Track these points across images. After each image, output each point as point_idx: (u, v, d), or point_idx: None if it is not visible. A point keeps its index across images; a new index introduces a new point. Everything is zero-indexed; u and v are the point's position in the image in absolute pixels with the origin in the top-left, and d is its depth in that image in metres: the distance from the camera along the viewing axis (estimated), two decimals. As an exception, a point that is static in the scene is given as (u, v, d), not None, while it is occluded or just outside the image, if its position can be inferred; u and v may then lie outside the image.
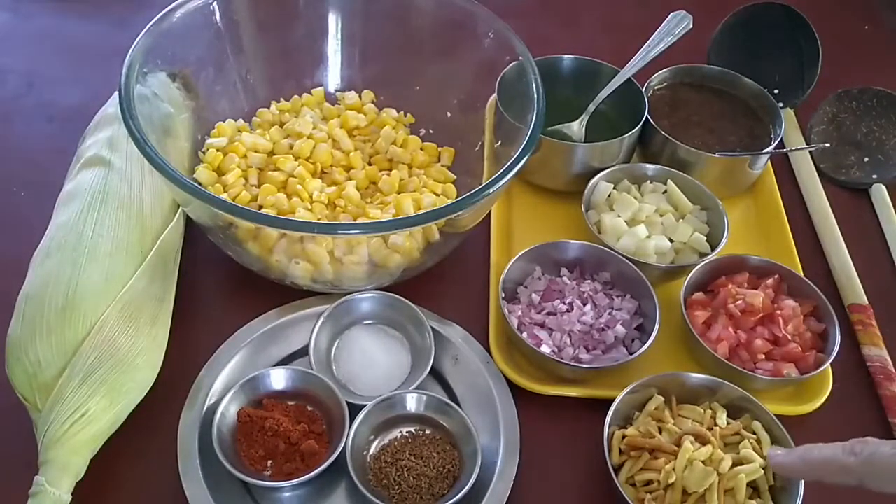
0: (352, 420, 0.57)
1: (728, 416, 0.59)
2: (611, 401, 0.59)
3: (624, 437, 0.58)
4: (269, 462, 0.57)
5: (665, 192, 0.75)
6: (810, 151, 0.86)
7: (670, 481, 0.54)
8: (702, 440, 0.56)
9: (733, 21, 0.91)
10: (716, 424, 0.58)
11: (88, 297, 0.58)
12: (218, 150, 0.73)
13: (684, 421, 0.59)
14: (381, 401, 0.59)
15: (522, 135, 0.64)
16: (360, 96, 0.82)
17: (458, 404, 0.61)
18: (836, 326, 0.65)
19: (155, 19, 0.67)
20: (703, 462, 0.55)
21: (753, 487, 0.56)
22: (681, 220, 0.73)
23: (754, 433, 0.58)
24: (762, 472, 0.55)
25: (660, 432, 0.58)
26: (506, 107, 0.72)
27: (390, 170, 0.75)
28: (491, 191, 0.60)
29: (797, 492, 0.55)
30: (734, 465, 0.55)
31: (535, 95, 0.67)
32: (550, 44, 0.85)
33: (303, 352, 0.64)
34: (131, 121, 0.60)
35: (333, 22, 0.81)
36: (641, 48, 0.80)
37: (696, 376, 0.61)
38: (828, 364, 0.63)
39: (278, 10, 0.79)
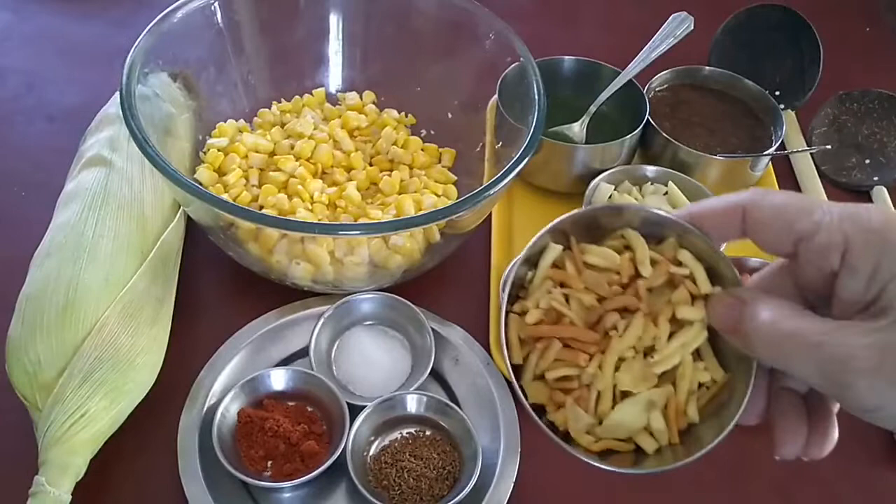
0: (352, 421, 0.57)
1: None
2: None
3: (523, 313, 0.41)
4: (269, 463, 0.57)
5: (666, 193, 0.75)
6: (811, 153, 0.86)
7: (599, 387, 0.39)
8: (629, 309, 0.40)
9: (734, 23, 0.91)
10: (638, 275, 0.40)
11: (89, 298, 0.58)
12: (219, 151, 0.73)
13: (596, 278, 0.40)
14: (382, 402, 0.59)
15: (523, 136, 0.64)
16: (361, 97, 0.82)
17: (458, 405, 0.60)
18: (837, 328, 0.64)
19: (156, 19, 0.67)
20: (634, 348, 0.39)
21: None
22: (682, 222, 0.73)
23: (680, 263, 0.40)
24: (706, 333, 0.39)
25: (567, 301, 0.40)
26: (507, 108, 0.72)
27: (391, 170, 0.75)
28: (492, 192, 0.60)
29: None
30: (671, 333, 0.39)
31: (536, 96, 0.67)
32: (551, 45, 0.85)
33: (303, 352, 0.64)
34: (132, 121, 0.59)
35: (334, 22, 0.81)
36: (643, 50, 0.80)
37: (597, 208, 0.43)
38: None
39: (279, 10, 0.79)
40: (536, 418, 0.39)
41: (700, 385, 0.40)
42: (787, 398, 0.38)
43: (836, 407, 0.37)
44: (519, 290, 0.42)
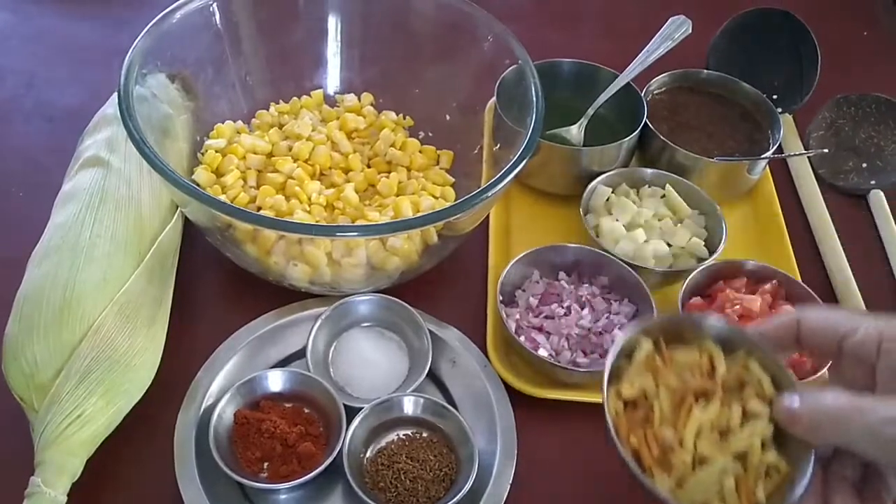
0: (349, 422, 0.57)
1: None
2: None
3: (619, 394, 0.48)
4: (266, 464, 0.57)
5: (663, 196, 0.75)
6: (809, 157, 0.86)
7: (680, 450, 0.46)
8: (706, 395, 0.47)
9: (733, 26, 0.91)
10: (714, 368, 0.48)
11: (86, 298, 0.58)
12: (217, 152, 0.73)
13: (681, 367, 0.49)
14: (379, 403, 0.59)
15: (521, 138, 0.64)
16: (359, 98, 0.82)
17: (455, 407, 0.60)
18: (834, 332, 0.65)
19: (154, 20, 0.67)
20: (711, 424, 0.46)
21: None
22: (679, 225, 0.73)
23: (749, 369, 0.48)
24: (772, 427, 0.46)
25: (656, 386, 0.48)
26: (505, 110, 0.72)
27: (389, 172, 0.75)
28: (489, 194, 0.60)
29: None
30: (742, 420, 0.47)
31: (535, 99, 0.67)
32: (550, 47, 0.85)
33: (300, 354, 0.64)
34: (130, 122, 0.60)
35: (333, 24, 0.81)
36: (641, 52, 0.81)
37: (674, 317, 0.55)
38: (825, 370, 0.63)
39: (278, 11, 0.79)
40: (635, 468, 0.45)
41: (766, 475, 0.46)
42: (843, 485, 0.44)
43: (890, 499, 0.43)
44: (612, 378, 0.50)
